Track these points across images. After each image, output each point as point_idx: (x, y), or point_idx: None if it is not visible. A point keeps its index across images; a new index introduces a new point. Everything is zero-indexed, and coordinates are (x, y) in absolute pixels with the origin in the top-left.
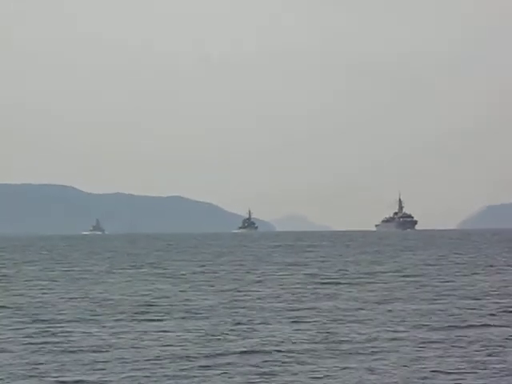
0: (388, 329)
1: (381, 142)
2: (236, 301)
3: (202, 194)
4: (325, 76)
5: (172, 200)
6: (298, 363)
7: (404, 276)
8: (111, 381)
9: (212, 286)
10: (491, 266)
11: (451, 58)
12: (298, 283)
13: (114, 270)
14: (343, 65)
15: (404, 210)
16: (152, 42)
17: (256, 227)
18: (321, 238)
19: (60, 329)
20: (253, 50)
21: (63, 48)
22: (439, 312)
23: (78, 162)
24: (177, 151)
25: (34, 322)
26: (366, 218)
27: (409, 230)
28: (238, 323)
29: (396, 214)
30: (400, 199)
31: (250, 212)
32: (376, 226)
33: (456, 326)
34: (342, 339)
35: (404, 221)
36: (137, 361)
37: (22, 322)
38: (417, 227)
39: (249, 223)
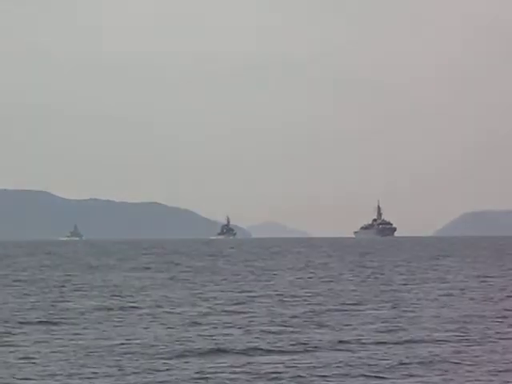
0: None
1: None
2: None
3: (179, 200)
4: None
5: (149, 206)
6: None
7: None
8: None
9: None
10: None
11: None
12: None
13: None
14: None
15: (383, 217)
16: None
17: (234, 234)
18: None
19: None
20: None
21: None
22: None
23: (53, 168)
24: (154, 157)
25: None
26: (345, 224)
27: (388, 236)
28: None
29: (375, 220)
30: (379, 206)
31: (228, 218)
32: (355, 232)
33: None
34: None
35: (383, 228)
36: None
37: None
38: (396, 234)
39: (227, 229)
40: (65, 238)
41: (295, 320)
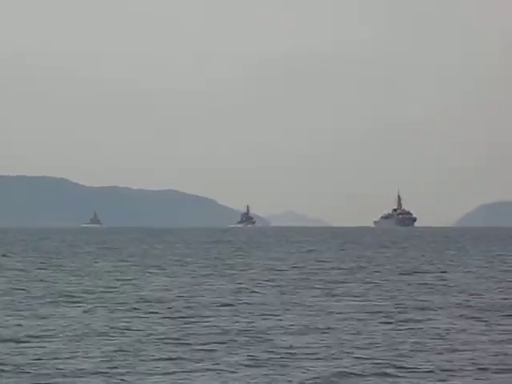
0: None
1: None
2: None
3: (198, 187)
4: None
5: (167, 194)
6: None
7: None
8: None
9: None
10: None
11: None
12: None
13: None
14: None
15: (403, 207)
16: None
17: (254, 222)
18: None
19: None
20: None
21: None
22: None
23: (73, 155)
24: (172, 144)
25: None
26: (365, 214)
27: (408, 227)
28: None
29: (395, 210)
30: (399, 196)
31: (248, 207)
32: (375, 222)
33: None
34: None
35: (403, 217)
36: None
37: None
38: (416, 224)
39: (247, 218)
40: (85, 225)
41: None
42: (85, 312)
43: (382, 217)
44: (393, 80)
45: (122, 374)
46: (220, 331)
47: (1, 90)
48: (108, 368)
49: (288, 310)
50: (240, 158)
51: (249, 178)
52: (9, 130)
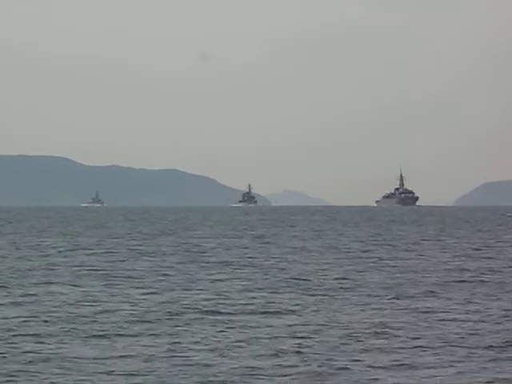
0: None
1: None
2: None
3: (199, 167)
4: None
5: (169, 173)
6: None
7: None
8: None
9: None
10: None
11: None
12: None
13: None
14: None
15: (405, 186)
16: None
17: (255, 201)
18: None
19: None
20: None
21: None
22: None
23: (73, 134)
24: (174, 124)
25: None
26: (367, 193)
27: (410, 206)
28: None
29: (397, 189)
30: (401, 175)
31: (249, 186)
32: (376, 201)
33: None
34: None
35: (405, 197)
36: None
37: None
38: (418, 203)
39: (248, 197)
40: (86, 205)
41: None
42: None
43: (383, 196)
44: (395, 60)
45: None
46: None
47: None
48: None
49: None
50: (241, 138)
51: (249, 157)
52: (9, 110)
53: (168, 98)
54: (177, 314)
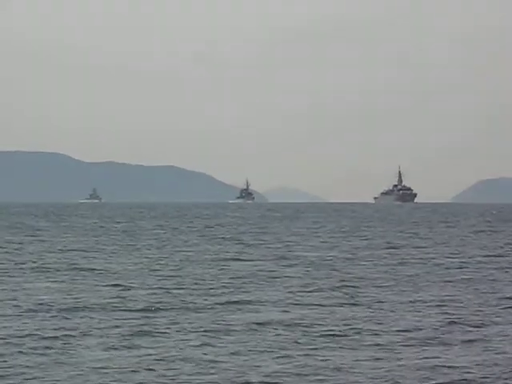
0: None
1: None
2: None
3: (196, 163)
4: None
5: (165, 170)
6: None
7: None
8: None
9: None
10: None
11: None
12: None
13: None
14: None
15: (403, 183)
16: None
17: (253, 198)
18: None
19: None
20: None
21: None
22: None
23: (70, 130)
24: (171, 121)
25: None
26: (365, 190)
27: (408, 202)
28: None
29: (395, 186)
30: (400, 171)
31: (247, 182)
32: (375, 198)
33: None
34: None
35: (403, 193)
36: None
37: None
38: (416, 200)
39: (246, 194)
40: (83, 200)
41: None
42: None
43: (382, 193)
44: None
45: None
46: None
47: None
48: None
49: None
50: (237, 134)
51: (245, 153)
52: (8, 104)
53: (165, 94)
54: None
